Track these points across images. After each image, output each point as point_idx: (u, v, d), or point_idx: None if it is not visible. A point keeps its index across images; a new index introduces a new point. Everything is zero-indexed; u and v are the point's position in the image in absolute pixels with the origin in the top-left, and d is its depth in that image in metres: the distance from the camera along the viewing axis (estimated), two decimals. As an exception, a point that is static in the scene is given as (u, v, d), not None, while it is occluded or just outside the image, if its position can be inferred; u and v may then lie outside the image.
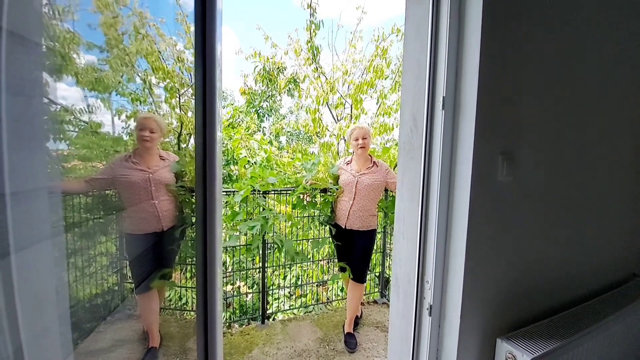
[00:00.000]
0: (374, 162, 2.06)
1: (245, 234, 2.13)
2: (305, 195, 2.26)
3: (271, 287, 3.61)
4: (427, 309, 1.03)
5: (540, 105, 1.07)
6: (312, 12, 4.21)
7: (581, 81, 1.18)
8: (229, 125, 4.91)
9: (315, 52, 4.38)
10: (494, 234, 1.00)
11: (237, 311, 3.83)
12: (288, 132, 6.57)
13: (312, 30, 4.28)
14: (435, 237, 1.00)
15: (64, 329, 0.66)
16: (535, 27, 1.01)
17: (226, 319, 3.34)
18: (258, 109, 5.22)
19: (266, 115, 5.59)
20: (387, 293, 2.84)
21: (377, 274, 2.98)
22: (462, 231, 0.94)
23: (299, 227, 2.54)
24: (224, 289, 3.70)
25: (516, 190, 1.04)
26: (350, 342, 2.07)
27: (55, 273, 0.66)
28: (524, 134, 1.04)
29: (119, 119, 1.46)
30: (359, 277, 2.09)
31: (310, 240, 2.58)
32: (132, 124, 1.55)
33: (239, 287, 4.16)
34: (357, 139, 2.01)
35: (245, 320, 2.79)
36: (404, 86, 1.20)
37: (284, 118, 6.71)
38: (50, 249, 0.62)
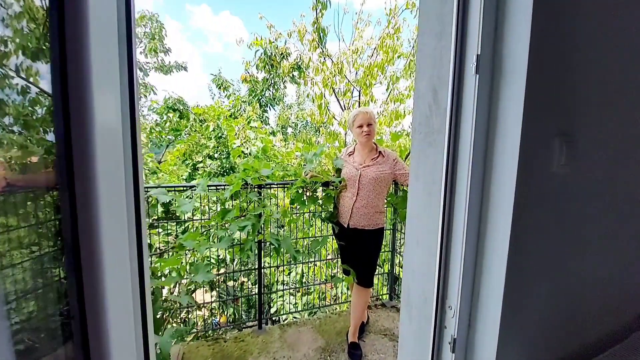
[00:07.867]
0: (380, 151, 1.79)
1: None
2: (306, 189, 2.03)
3: (274, 284, 3.44)
4: (450, 343, 0.78)
5: (616, 74, 0.78)
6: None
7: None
8: (230, 116, 4.69)
9: (321, 34, 4.07)
10: (546, 247, 0.74)
11: (244, 305, 3.77)
12: (294, 123, 6.33)
13: (318, 10, 3.97)
14: (462, 248, 0.74)
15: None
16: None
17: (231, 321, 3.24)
18: (260, 97, 4.98)
19: (269, 105, 5.35)
20: (396, 295, 2.60)
21: (386, 273, 2.73)
22: (503, 243, 0.68)
23: (298, 224, 2.32)
24: (229, 284, 3.58)
25: (575, 187, 0.77)
26: (355, 353, 1.85)
27: None
28: (592, 110, 0.75)
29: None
30: (365, 281, 1.85)
31: (310, 239, 2.34)
32: None
33: (241, 284, 4.03)
34: (361, 126, 1.73)
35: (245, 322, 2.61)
36: (420, 51, 0.92)
37: (289, 108, 6.47)
38: None
